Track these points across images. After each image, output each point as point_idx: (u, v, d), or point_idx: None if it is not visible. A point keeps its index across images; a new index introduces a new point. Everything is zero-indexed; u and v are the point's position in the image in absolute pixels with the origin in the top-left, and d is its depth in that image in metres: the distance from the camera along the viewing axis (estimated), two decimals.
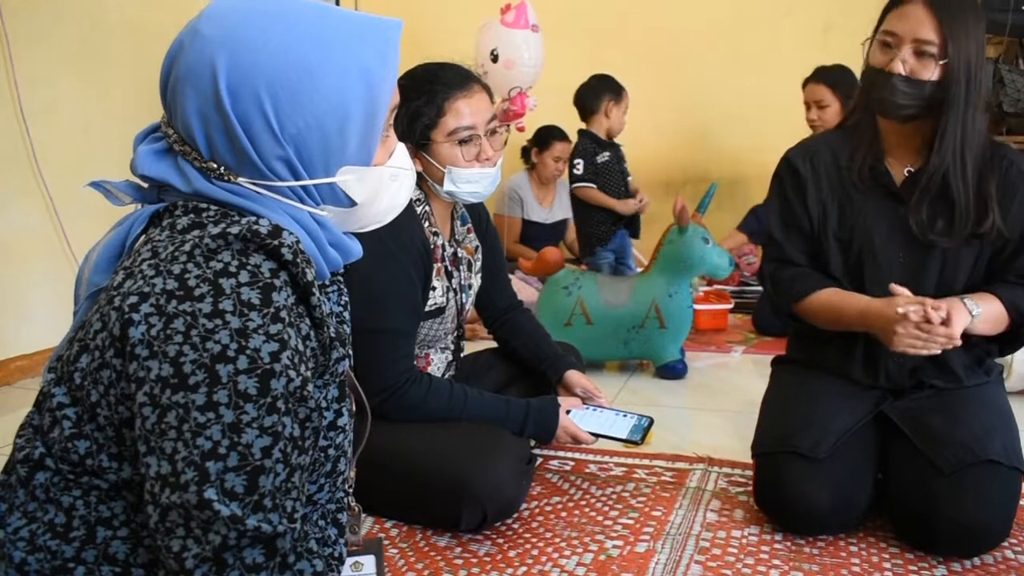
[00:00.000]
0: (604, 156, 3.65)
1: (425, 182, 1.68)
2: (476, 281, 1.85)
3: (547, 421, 1.67)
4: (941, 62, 1.52)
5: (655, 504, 1.74)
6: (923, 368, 1.65)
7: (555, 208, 4.30)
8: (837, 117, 3.10)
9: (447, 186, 1.65)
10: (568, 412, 1.72)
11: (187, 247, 0.80)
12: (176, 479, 0.76)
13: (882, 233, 1.66)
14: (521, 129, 3.68)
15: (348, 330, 0.99)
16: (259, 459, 0.77)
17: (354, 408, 1.04)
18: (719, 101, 4.21)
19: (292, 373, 0.80)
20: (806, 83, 3.33)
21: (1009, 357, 2.32)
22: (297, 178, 0.88)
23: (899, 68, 1.54)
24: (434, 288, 1.69)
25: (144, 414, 0.77)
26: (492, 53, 3.45)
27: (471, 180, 1.65)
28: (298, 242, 0.84)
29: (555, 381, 1.89)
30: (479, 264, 1.87)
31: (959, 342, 1.51)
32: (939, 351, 1.52)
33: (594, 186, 3.63)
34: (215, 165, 0.86)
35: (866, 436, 1.62)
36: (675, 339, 2.81)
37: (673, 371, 2.80)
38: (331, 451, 0.97)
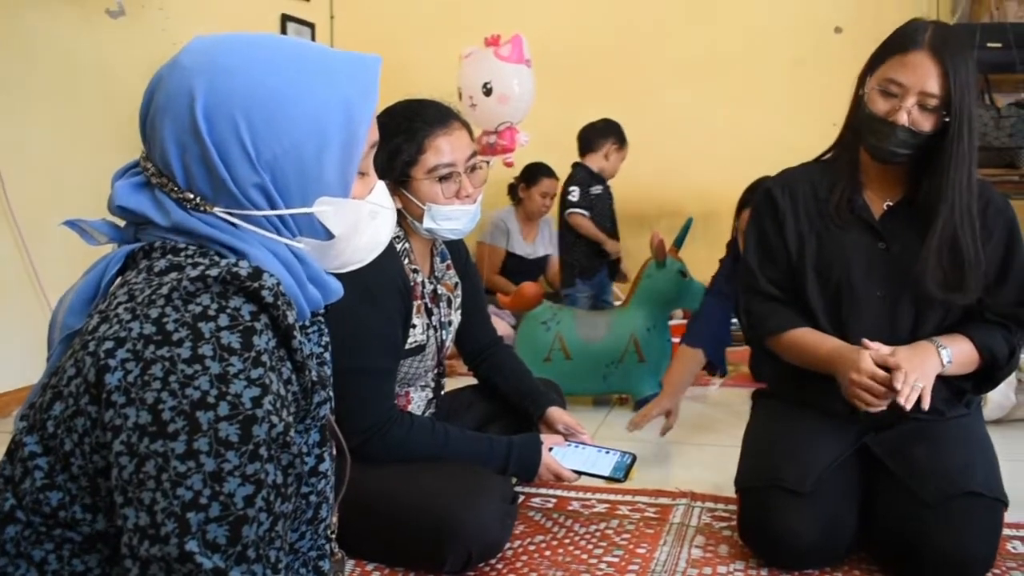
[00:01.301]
0: (598, 189, 3.71)
1: (405, 219, 1.67)
2: (456, 318, 1.84)
3: (530, 459, 1.65)
4: (945, 118, 1.52)
5: (639, 541, 1.72)
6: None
7: (538, 244, 4.32)
8: None
9: (427, 223, 1.64)
10: (551, 449, 1.70)
11: (165, 290, 0.79)
12: (156, 531, 0.73)
13: (860, 267, 1.66)
14: (509, 164, 3.68)
15: (329, 372, 0.98)
16: (242, 508, 0.75)
17: (334, 452, 1.02)
18: (692, 136, 4.26)
19: (274, 419, 0.78)
20: (740, 209, 2.83)
21: None
22: (273, 207, 0.87)
23: (903, 120, 1.53)
24: (414, 326, 1.67)
25: (121, 463, 0.75)
26: (485, 86, 3.44)
27: (451, 217, 1.64)
28: (278, 284, 0.82)
29: (537, 418, 1.87)
30: (459, 300, 1.85)
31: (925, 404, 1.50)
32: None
33: (588, 214, 3.66)
34: (192, 195, 0.85)
35: (849, 469, 1.61)
36: (654, 373, 2.80)
37: None
38: (313, 497, 0.94)
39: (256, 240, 0.87)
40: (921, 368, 1.51)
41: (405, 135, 1.60)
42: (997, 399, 2.42)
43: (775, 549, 1.56)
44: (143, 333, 0.76)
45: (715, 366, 2.92)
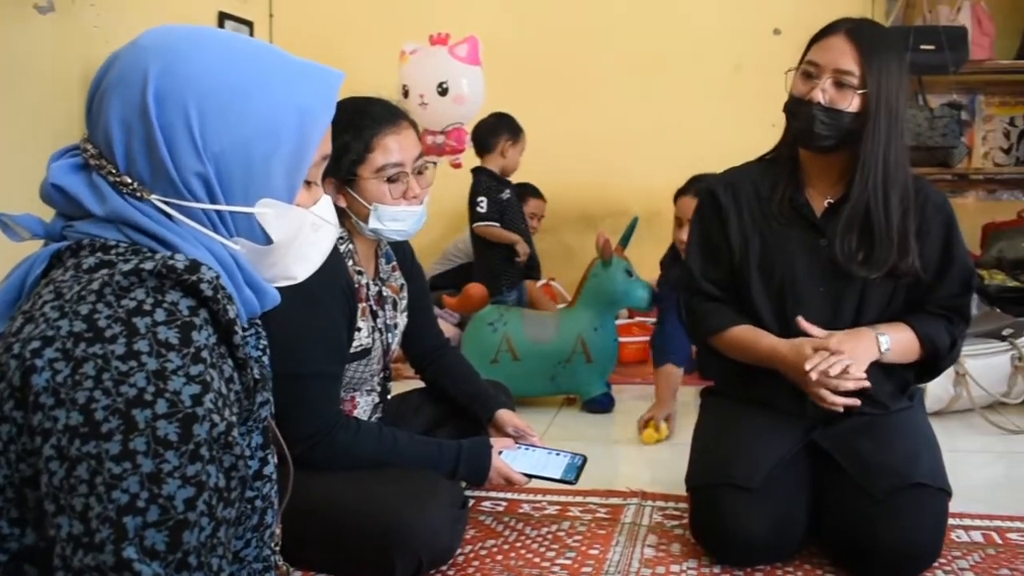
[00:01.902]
0: (507, 193, 3.61)
1: (349, 219, 1.63)
2: (402, 320, 1.80)
3: (479, 463, 1.63)
4: (860, 92, 1.55)
5: (592, 542, 1.70)
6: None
7: None
8: None
9: (372, 224, 1.60)
10: (500, 453, 1.68)
11: (95, 285, 0.75)
12: (90, 539, 0.69)
13: (803, 264, 1.68)
14: (457, 166, 3.64)
15: (269, 374, 0.94)
16: (182, 512, 0.71)
17: (276, 458, 0.98)
18: (637, 136, 4.27)
19: (216, 417, 0.75)
20: (679, 195, 2.93)
21: None
22: (213, 201, 0.84)
23: (819, 97, 1.57)
24: (359, 329, 1.63)
25: (51, 469, 0.71)
26: (441, 86, 3.39)
27: (397, 218, 1.61)
28: (218, 277, 0.79)
29: (486, 421, 1.85)
30: (405, 303, 1.82)
31: (866, 383, 1.54)
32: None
33: (498, 224, 3.57)
34: (129, 180, 0.82)
35: (798, 465, 1.62)
36: (602, 373, 2.81)
37: (600, 405, 2.79)
38: (258, 502, 0.91)
39: (192, 235, 0.84)
40: (854, 351, 1.56)
41: (353, 132, 1.56)
42: (936, 391, 2.46)
43: (727, 546, 1.56)
44: (73, 331, 0.73)
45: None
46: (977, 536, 1.71)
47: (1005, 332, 2.59)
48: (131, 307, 0.74)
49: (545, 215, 4.08)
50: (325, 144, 0.92)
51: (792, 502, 1.57)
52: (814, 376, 1.53)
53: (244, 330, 0.92)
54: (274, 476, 0.94)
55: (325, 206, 0.96)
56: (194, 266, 0.77)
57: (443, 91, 3.38)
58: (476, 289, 3.52)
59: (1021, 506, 1.86)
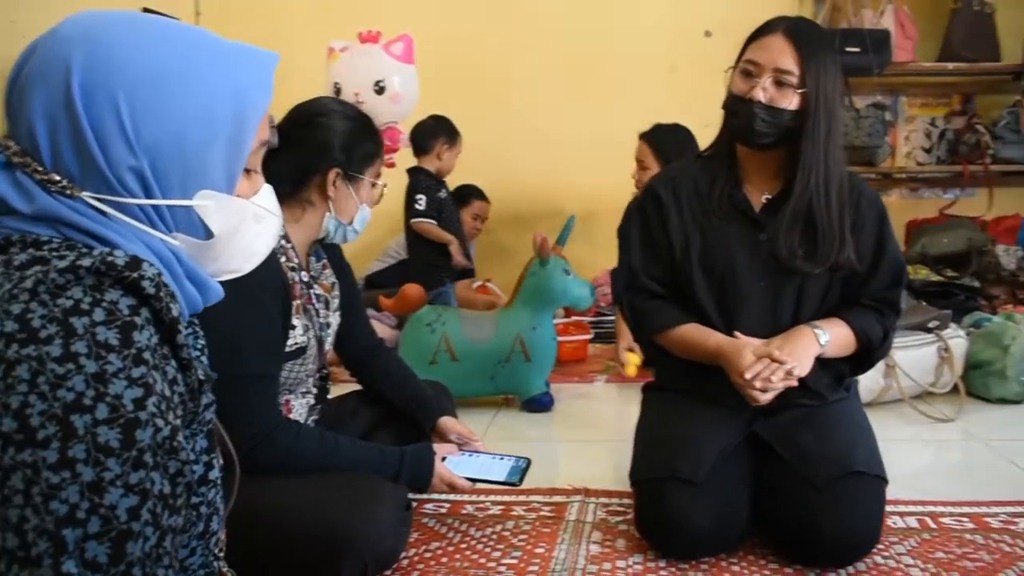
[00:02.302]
0: (443, 193, 3.62)
1: (311, 210, 1.60)
2: (335, 319, 1.76)
3: (422, 470, 1.59)
4: (800, 91, 1.57)
5: (537, 541, 1.69)
6: (788, 390, 1.69)
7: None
8: None
9: (357, 224, 1.64)
10: (443, 459, 1.66)
11: (28, 284, 0.70)
12: (26, 553, 0.65)
13: (743, 259, 1.69)
14: (391, 165, 3.59)
15: (212, 375, 0.90)
16: (125, 522, 0.68)
17: (222, 461, 0.94)
18: (571, 137, 4.29)
19: (160, 422, 0.71)
20: (640, 138, 3.17)
21: None
22: (149, 196, 0.80)
23: (759, 96, 1.59)
24: (294, 327, 1.58)
25: None
26: (378, 84, 3.33)
27: (365, 221, 1.66)
28: (160, 274, 0.75)
29: (428, 429, 1.82)
30: (337, 302, 1.78)
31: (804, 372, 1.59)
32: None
33: (434, 222, 3.57)
34: (57, 177, 0.77)
35: (739, 456, 1.64)
36: (541, 372, 2.80)
37: (540, 404, 2.78)
38: (203, 509, 0.87)
39: (129, 232, 0.79)
40: (794, 353, 1.59)
41: (366, 134, 1.62)
42: (867, 383, 2.51)
43: (672, 539, 1.57)
44: (4, 331, 0.68)
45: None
46: (912, 522, 1.75)
47: (931, 324, 2.67)
48: (68, 306, 0.70)
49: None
50: (263, 130, 0.88)
51: (735, 494, 1.58)
52: (758, 384, 1.55)
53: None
54: (219, 481, 0.90)
55: (267, 196, 0.93)
56: (135, 263, 0.73)
57: (380, 90, 3.33)
58: (413, 290, 3.47)
59: (951, 491, 1.91)
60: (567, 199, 4.33)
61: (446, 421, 1.82)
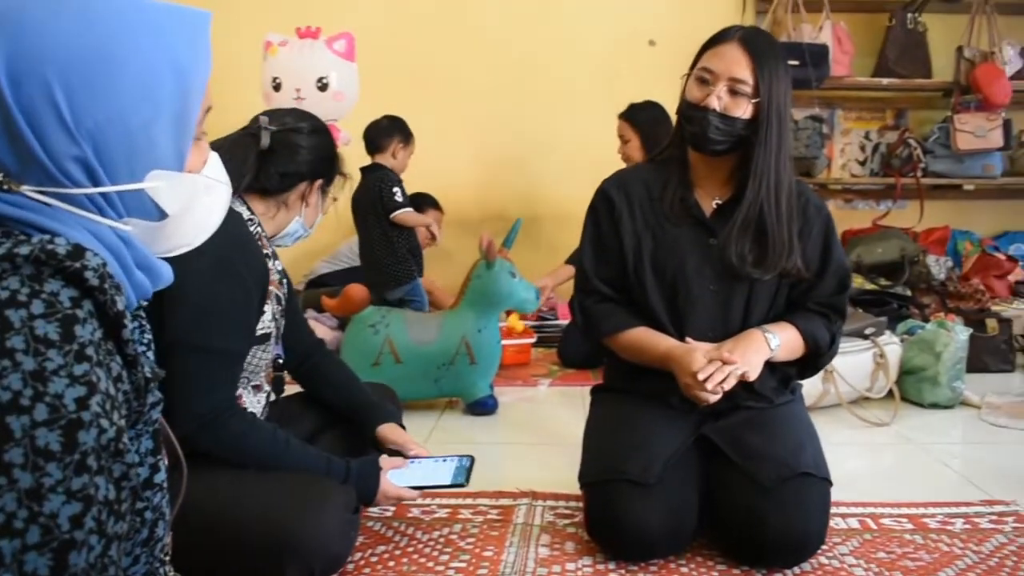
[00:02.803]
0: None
1: (278, 210, 1.64)
2: (281, 320, 1.72)
3: (367, 485, 1.56)
4: (753, 101, 1.59)
5: (485, 544, 1.66)
6: (736, 392, 1.70)
7: None
8: (638, 151, 3.24)
9: (313, 229, 1.73)
10: (387, 473, 1.62)
11: None
12: None
13: (694, 263, 1.70)
14: None
15: (160, 372, 0.86)
16: (68, 531, 0.63)
17: (167, 461, 0.89)
18: (514, 142, 4.29)
19: (104, 422, 0.67)
20: (620, 117, 3.40)
21: None
22: (96, 184, 0.75)
23: (714, 104, 1.60)
24: (263, 312, 1.56)
25: None
26: (321, 81, 3.26)
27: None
28: (104, 264, 0.71)
29: (369, 437, 1.79)
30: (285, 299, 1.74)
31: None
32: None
33: (412, 210, 3.53)
34: None
35: (689, 459, 1.64)
36: (485, 375, 2.77)
37: (484, 407, 2.76)
38: (148, 514, 0.82)
39: (76, 222, 0.74)
40: (745, 356, 1.61)
41: (333, 151, 1.71)
42: (807, 388, 2.53)
43: (623, 542, 1.56)
44: None
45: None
46: (854, 523, 1.78)
47: (867, 331, 2.73)
48: (3, 298, 0.65)
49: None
50: (207, 97, 0.84)
51: (685, 495, 1.58)
52: (710, 386, 1.56)
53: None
54: (165, 484, 0.85)
55: (215, 164, 0.89)
56: (77, 251, 0.69)
57: (323, 86, 3.27)
58: (356, 290, 3.42)
59: (889, 493, 1.95)
60: (509, 203, 4.33)
61: (384, 430, 1.78)
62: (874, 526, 1.76)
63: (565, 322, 3.68)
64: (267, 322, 1.57)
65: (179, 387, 1.33)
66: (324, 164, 1.66)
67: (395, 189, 3.52)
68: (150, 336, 0.88)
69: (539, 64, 4.29)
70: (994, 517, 1.80)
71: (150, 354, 0.87)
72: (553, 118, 4.26)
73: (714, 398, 1.59)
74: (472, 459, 1.73)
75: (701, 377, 1.56)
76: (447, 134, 4.21)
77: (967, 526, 1.76)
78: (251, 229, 1.56)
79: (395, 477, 1.62)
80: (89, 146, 0.73)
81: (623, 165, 3.19)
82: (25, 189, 0.72)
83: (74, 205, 0.74)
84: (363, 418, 1.82)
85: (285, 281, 1.71)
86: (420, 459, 1.73)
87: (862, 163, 4.18)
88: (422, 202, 3.94)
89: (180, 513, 0.99)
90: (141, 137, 0.76)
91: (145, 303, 0.85)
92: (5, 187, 0.71)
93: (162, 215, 0.81)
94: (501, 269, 2.73)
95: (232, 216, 1.49)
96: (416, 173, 3.99)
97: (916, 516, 1.81)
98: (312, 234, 1.75)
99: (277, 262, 1.72)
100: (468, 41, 4.29)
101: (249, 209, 1.59)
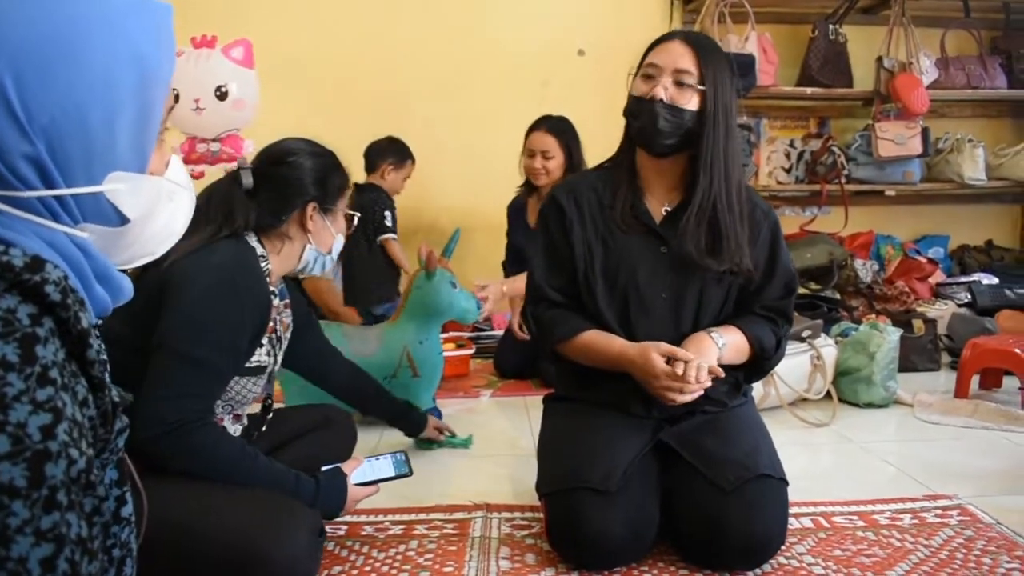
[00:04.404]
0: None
1: (290, 243, 1.60)
2: (279, 359, 1.69)
3: (337, 495, 1.56)
4: (699, 88, 1.60)
5: (444, 559, 1.62)
6: None
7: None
8: (560, 169, 3.19)
9: (334, 252, 1.68)
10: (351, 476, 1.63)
11: None
12: None
13: (645, 271, 1.70)
14: (200, 176, 3.43)
15: (128, 397, 0.79)
16: None
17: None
18: (447, 153, 4.25)
19: (73, 452, 0.61)
20: (530, 131, 3.31)
21: None
22: (50, 186, 0.68)
23: (660, 94, 1.61)
24: (261, 345, 1.54)
25: None
26: (219, 89, 3.16)
27: (339, 251, 1.70)
28: (66, 277, 0.65)
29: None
30: (286, 345, 1.74)
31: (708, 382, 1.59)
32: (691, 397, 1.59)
33: (397, 239, 3.61)
34: None
35: (647, 464, 1.64)
36: (428, 387, 2.73)
37: None
38: (116, 551, 0.75)
39: (27, 229, 0.68)
40: (700, 355, 1.61)
41: (336, 168, 1.65)
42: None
43: (586, 550, 1.54)
44: None
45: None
46: (807, 522, 1.80)
47: (804, 334, 2.78)
48: None
49: None
50: (170, 97, 0.79)
51: (646, 502, 1.58)
52: (692, 376, 1.55)
53: None
54: (132, 518, 0.79)
55: (177, 168, 0.84)
56: (36, 263, 0.63)
57: (222, 95, 3.15)
58: None
59: (834, 492, 1.99)
60: (441, 214, 4.30)
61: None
62: (827, 524, 1.79)
63: (500, 332, 3.67)
64: (263, 355, 1.56)
65: (152, 388, 1.32)
66: (312, 186, 1.61)
67: (386, 212, 3.62)
68: (105, 356, 0.82)
69: (473, 74, 4.27)
70: (939, 511, 1.85)
71: (106, 376, 0.81)
72: (483, 128, 4.24)
73: (683, 398, 1.57)
74: (405, 452, 1.77)
75: (679, 372, 1.54)
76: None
77: (915, 521, 1.80)
78: (262, 266, 1.54)
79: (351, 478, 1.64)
80: (43, 143, 0.67)
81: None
82: None
83: (24, 210, 0.68)
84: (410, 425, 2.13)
85: (289, 328, 1.74)
86: (359, 462, 1.72)
87: (787, 170, 4.28)
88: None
89: (144, 534, 0.92)
90: (101, 135, 0.71)
91: (101, 321, 0.79)
92: None
93: (122, 221, 0.75)
94: (441, 279, 2.69)
95: (246, 248, 1.51)
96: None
97: (866, 513, 1.85)
98: (336, 257, 1.70)
99: (286, 311, 1.72)
100: (397, 52, 4.24)
101: (263, 246, 1.57)
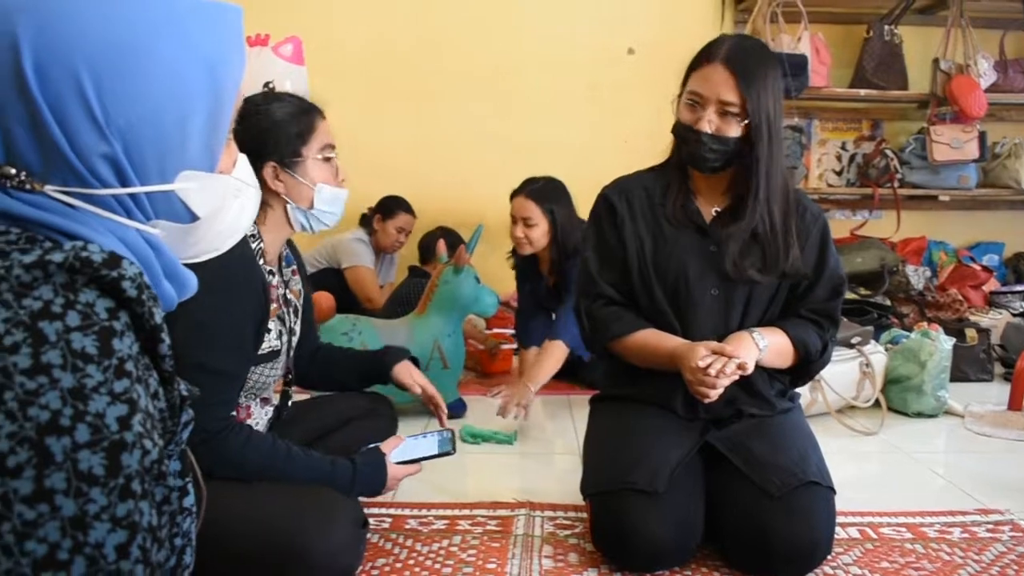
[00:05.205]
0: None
1: (271, 211, 1.54)
2: (299, 327, 1.70)
3: (376, 475, 1.56)
4: (743, 123, 1.60)
5: (487, 556, 1.63)
6: (739, 398, 1.69)
7: (380, 276, 4.08)
8: (544, 237, 2.91)
9: (317, 205, 1.54)
10: (390, 455, 1.64)
11: None
12: None
13: (695, 267, 1.71)
14: None
15: (192, 390, 0.82)
16: (114, 562, 0.59)
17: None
18: (489, 150, 4.24)
19: (147, 443, 0.63)
20: (513, 195, 3.00)
21: None
22: (125, 184, 0.70)
23: (706, 127, 1.62)
24: (269, 330, 1.53)
25: None
26: (267, 86, 3.21)
27: (334, 200, 1.57)
28: (141, 274, 0.67)
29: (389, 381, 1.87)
30: (301, 310, 1.72)
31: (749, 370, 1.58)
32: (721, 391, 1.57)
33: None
34: (14, 171, 0.66)
35: (693, 467, 1.63)
36: (455, 378, 2.79)
37: (455, 410, 2.75)
38: (177, 540, 0.77)
39: (101, 225, 0.70)
40: (737, 352, 1.60)
41: (292, 113, 1.52)
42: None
43: (630, 553, 1.54)
44: None
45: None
46: (854, 532, 1.78)
47: (854, 340, 2.74)
48: (36, 308, 0.60)
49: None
50: (239, 96, 0.80)
51: (692, 505, 1.57)
52: (712, 371, 1.54)
53: None
54: (194, 508, 0.81)
55: (244, 167, 0.86)
56: (114, 259, 0.64)
57: (270, 91, 3.23)
58: (324, 299, 3.39)
59: (882, 502, 1.96)
60: (484, 210, 4.30)
61: (398, 371, 1.86)
62: (874, 535, 1.76)
63: None
64: (272, 340, 1.56)
65: None
66: (263, 146, 1.49)
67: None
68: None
69: (517, 71, 4.27)
70: (990, 526, 1.81)
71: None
72: (529, 125, 4.24)
73: (713, 394, 1.56)
74: (452, 431, 1.77)
75: (702, 365, 1.54)
76: (422, 141, 4.20)
77: (965, 535, 1.76)
78: (252, 246, 1.52)
79: (393, 459, 1.64)
80: (119, 143, 0.69)
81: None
82: (48, 189, 0.68)
83: (100, 207, 0.70)
84: (377, 369, 1.85)
85: (301, 295, 1.69)
86: (403, 439, 1.73)
87: (838, 173, 4.22)
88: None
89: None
90: (174, 135, 0.72)
91: None
92: (28, 186, 0.67)
93: (192, 218, 0.77)
94: (467, 275, 2.76)
95: None
96: (391, 179, 4.02)
97: (914, 525, 1.82)
98: (329, 208, 1.57)
99: (294, 279, 1.70)
100: (446, 48, 4.26)
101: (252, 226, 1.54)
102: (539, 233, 2.91)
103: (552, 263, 3.00)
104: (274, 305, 1.54)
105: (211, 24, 0.75)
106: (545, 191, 2.93)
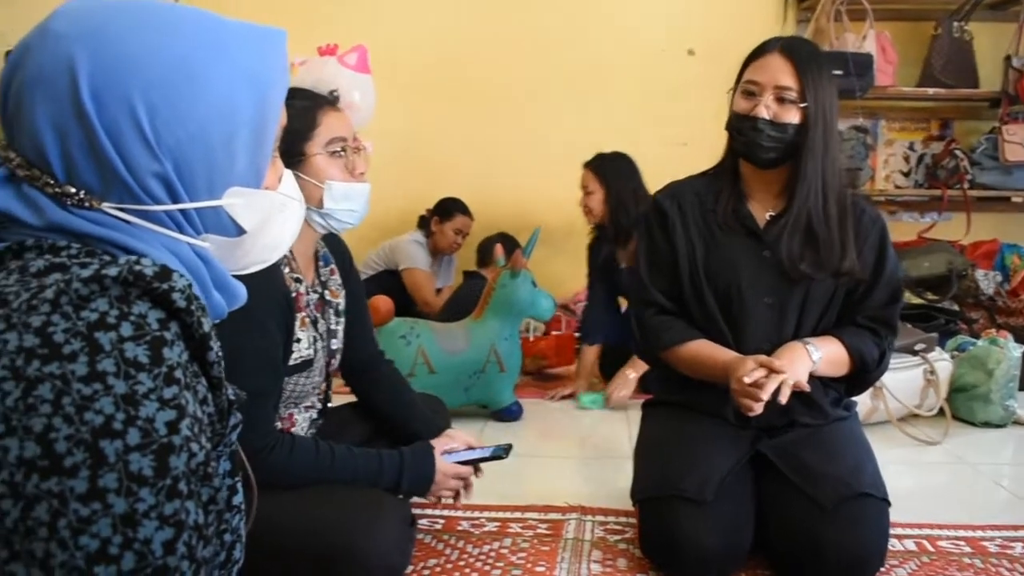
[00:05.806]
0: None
1: None
2: (341, 326, 1.71)
3: (424, 469, 1.55)
4: (801, 105, 1.58)
5: (536, 559, 1.65)
6: (793, 407, 1.67)
7: (439, 278, 4.12)
8: (601, 205, 3.14)
9: (327, 204, 1.50)
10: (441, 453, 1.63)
11: (49, 294, 0.64)
12: None
13: (748, 274, 1.69)
14: None
15: (239, 394, 0.85)
16: (161, 557, 0.62)
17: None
18: (551, 151, 4.24)
19: (194, 446, 0.66)
20: (584, 167, 3.26)
21: None
22: (176, 200, 0.74)
23: (763, 113, 1.60)
24: (298, 340, 1.53)
25: (3, 509, 0.60)
26: (332, 94, 3.28)
27: (349, 196, 1.51)
28: (191, 285, 0.70)
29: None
30: (343, 307, 1.73)
31: (805, 387, 1.56)
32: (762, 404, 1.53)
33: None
34: (73, 190, 0.71)
35: (744, 475, 1.62)
36: (511, 382, 2.82)
37: (511, 414, 2.80)
38: (226, 536, 0.81)
39: (155, 239, 0.74)
40: (792, 366, 1.58)
41: (293, 111, 1.47)
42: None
43: (679, 559, 1.54)
44: (24, 346, 0.62)
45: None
46: (910, 544, 1.75)
47: (918, 347, 2.68)
48: (93, 320, 0.64)
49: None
50: (283, 115, 0.84)
51: (741, 514, 1.56)
52: (763, 395, 1.51)
53: None
54: (243, 506, 0.85)
55: (289, 182, 0.89)
56: (165, 273, 0.68)
57: (335, 100, 3.29)
58: (382, 302, 3.43)
59: (942, 514, 1.92)
60: (542, 213, 4.31)
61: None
62: (931, 548, 1.73)
63: None
64: (304, 350, 1.54)
65: None
66: None
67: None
68: (219, 353, 0.88)
69: (577, 71, 4.27)
70: None
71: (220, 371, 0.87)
72: (590, 127, 4.23)
73: (757, 407, 1.53)
74: (510, 445, 1.73)
75: (748, 381, 1.52)
76: (485, 143, 4.23)
77: None
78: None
79: (446, 459, 1.63)
80: (170, 162, 0.73)
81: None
82: (106, 206, 0.72)
83: (153, 222, 0.74)
84: (421, 428, 1.78)
85: (342, 292, 1.70)
86: (458, 451, 1.71)
87: (906, 174, 4.11)
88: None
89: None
90: (221, 153, 0.76)
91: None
92: (87, 204, 0.71)
93: (239, 232, 0.81)
94: (524, 279, 2.79)
95: None
96: (453, 181, 4.06)
97: (974, 539, 1.78)
98: (346, 205, 1.52)
99: (332, 278, 1.70)
100: (507, 50, 4.28)
101: None
102: (596, 201, 3.15)
103: (618, 236, 3.13)
104: (302, 314, 1.54)
105: (257, 47, 0.79)
106: (603, 161, 3.17)
